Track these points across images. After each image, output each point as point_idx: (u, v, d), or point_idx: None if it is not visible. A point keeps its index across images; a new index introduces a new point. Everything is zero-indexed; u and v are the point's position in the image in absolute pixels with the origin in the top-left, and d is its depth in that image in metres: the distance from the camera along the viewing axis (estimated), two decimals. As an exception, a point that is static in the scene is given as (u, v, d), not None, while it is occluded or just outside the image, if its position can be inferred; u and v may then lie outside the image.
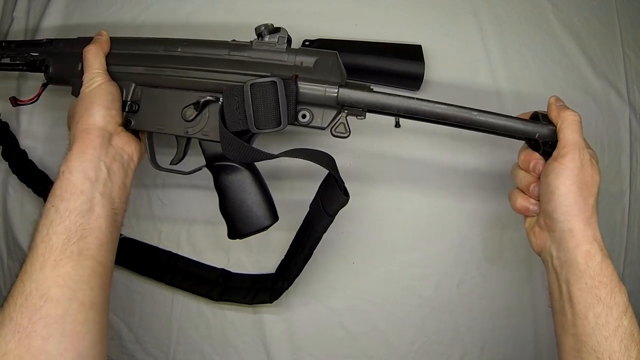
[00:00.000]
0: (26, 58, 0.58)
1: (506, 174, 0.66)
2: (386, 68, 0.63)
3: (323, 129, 0.49)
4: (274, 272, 0.65)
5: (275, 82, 0.47)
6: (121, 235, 0.67)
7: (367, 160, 0.66)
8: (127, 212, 0.66)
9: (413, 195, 0.66)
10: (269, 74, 0.49)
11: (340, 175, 0.51)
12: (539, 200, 0.48)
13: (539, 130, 0.47)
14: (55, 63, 0.56)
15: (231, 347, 0.69)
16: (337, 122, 0.49)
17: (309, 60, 0.50)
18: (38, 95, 0.59)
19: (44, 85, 0.59)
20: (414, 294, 0.67)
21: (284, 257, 0.63)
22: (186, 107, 0.52)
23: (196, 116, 0.52)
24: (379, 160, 0.66)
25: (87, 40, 0.54)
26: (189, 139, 0.55)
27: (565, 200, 0.44)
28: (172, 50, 0.53)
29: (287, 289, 0.62)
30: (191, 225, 0.69)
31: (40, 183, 0.67)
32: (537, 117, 0.48)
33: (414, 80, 0.63)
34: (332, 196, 0.53)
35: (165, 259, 0.68)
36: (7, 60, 0.58)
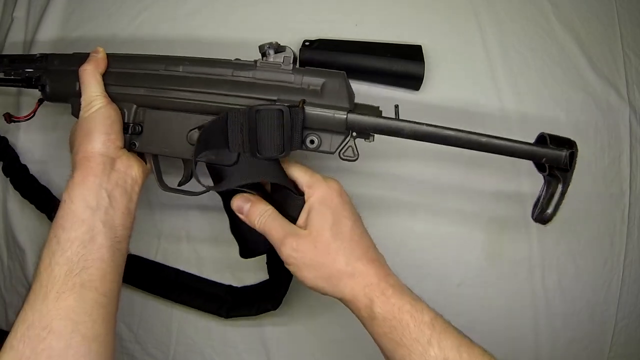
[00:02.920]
0: (21, 74, 0.56)
1: (507, 173, 0.67)
2: (386, 68, 0.63)
3: (332, 153, 0.48)
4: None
5: (281, 110, 0.46)
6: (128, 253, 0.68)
7: (368, 155, 0.66)
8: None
9: (412, 195, 0.66)
10: (275, 98, 0.48)
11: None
12: (542, 222, 0.49)
13: (546, 154, 0.47)
14: (52, 81, 0.54)
15: (231, 348, 0.69)
16: (345, 146, 0.48)
17: (316, 82, 0.48)
18: (34, 112, 0.57)
19: (40, 101, 0.56)
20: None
21: (267, 262, 0.61)
22: (191, 130, 0.50)
23: None
24: (377, 159, 0.66)
25: (84, 57, 0.52)
26: (195, 162, 0.54)
27: (319, 289, 0.46)
28: (173, 69, 0.51)
29: (284, 294, 0.62)
30: (191, 225, 0.68)
31: (42, 199, 0.67)
32: (544, 139, 0.48)
33: (414, 81, 0.63)
34: (288, 199, 0.50)
35: (172, 276, 0.68)
36: (0, 76, 0.57)
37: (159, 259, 0.69)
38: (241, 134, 0.47)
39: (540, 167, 0.49)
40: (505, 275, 0.67)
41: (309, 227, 0.47)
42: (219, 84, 0.49)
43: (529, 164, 0.66)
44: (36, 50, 0.65)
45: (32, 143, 0.69)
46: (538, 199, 0.49)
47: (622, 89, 0.68)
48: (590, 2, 0.69)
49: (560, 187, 0.48)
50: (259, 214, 0.48)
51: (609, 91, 0.68)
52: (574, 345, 0.68)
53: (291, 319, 0.67)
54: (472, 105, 0.66)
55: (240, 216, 0.49)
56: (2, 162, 0.67)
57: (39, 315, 0.41)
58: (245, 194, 0.50)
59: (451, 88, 0.66)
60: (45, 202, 0.67)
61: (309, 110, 0.47)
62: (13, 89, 0.68)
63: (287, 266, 0.47)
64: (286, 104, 0.46)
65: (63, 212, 0.45)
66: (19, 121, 0.58)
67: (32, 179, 0.67)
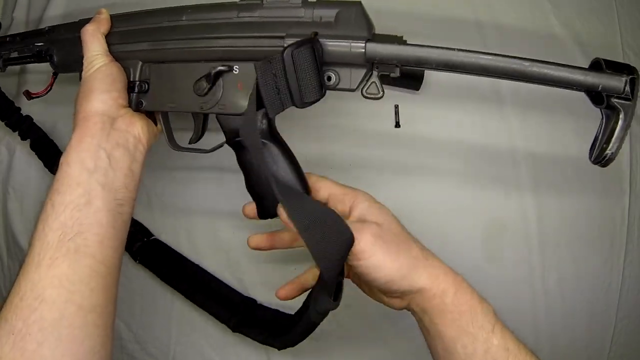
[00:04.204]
0: (32, 49, 0.55)
1: (506, 174, 0.66)
2: (386, 68, 0.63)
3: (353, 90, 0.43)
4: (270, 275, 0.65)
5: (312, 45, 0.41)
6: (152, 236, 0.68)
7: (367, 155, 0.66)
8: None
9: (412, 196, 0.66)
10: (283, 34, 0.43)
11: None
12: (599, 164, 0.45)
13: (604, 80, 0.40)
14: (59, 51, 0.54)
15: (231, 348, 0.69)
16: (368, 81, 0.43)
17: (329, 14, 0.43)
18: (51, 85, 0.57)
19: (55, 75, 0.56)
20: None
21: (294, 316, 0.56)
22: (198, 80, 0.47)
23: (209, 89, 0.47)
24: (379, 159, 0.66)
25: (88, 22, 0.51)
26: (205, 115, 0.51)
27: (398, 282, 0.42)
28: (176, 20, 0.48)
29: (291, 346, 0.56)
30: (191, 225, 0.69)
31: None
32: (599, 65, 0.41)
33: (414, 81, 0.63)
34: (321, 293, 0.45)
35: (191, 271, 0.67)
36: (15, 55, 0.56)
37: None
38: (276, 88, 0.42)
39: (596, 99, 0.42)
40: (505, 275, 0.67)
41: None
42: (224, 27, 0.46)
43: (529, 165, 0.66)
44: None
45: (53, 117, 0.69)
46: (595, 138, 0.43)
47: (622, 89, 0.68)
48: (590, 2, 0.69)
49: (621, 120, 0.40)
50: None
51: (609, 91, 0.68)
52: (574, 345, 0.68)
53: (291, 319, 0.68)
54: (472, 105, 0.66)
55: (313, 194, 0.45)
56: (29, 139, 0.67)
57: (32, 285, 0.39)
58: (316, 175, 0.48)
59: (451, 87, 0.66)
60: None
61: (324, 41, 0.42)
62: (15, 69, 0.68)
63: (357, 262, 0.42)
64: (306, 37, 0.42)
65: (59, 176, 0.43)
66: (38, 96, 0.57)
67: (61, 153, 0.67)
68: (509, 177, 0.67)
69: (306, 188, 0.48)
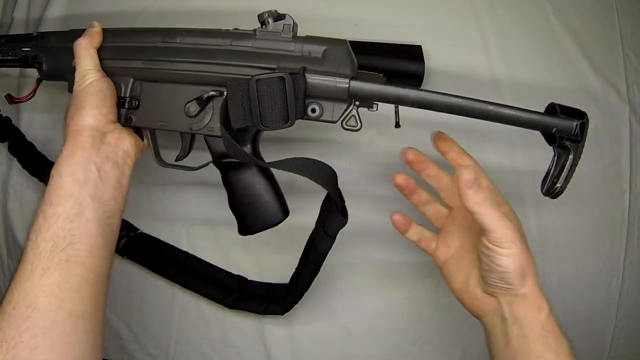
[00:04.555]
0: (18, 54, 0.55)
1: (506, 174, 0.66)
2: (386, 68, 0.62)
3: (334, 122, 0.47)
4: (270, 274, 0.65)
5: (283, 78, 0.44)
6: (138, 230, 0.68)
7: (366, 158, 0.66)
8: (127, 213, 0.67)
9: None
10: (275, 66, 0.46)
11: (340, 180, 0.50)
12: (550, 196, 0.48)
13: (556, 124, 0.45)
14: (48, 59, 0.54)
15: (231, 347, 0.69)
16: (348, 115, 0.47)
17: (317, 50, 0.46)
18: (34, 91, 0.57)
19: (39, 81, 0.56)
20: (414, 293, 0.67)
21: (296, 267, 0.62)
22: (189, 102, 0.49)
23: (200, 112, 0.49)
24: (378, 160, 0.66)
25: (80, 33, 0.51)
26: (193, 135, 0.53)
27: (517, 277, 0.44)
28: (169, 41, 0.50)
29: (296, 303, 0.62)
30: (191, 225, 0.69)
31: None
32: (555, 109, 0.46)
33: (414, 81, 0.63)
34: (330, 216, 0.50)
35: (182, 260, 0.68)
36: None
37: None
38: (242, 107, 0.46)
39: (549, 139, 0.47)
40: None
41: None
42: (217, 53, 0.48)
43: (529, 165, 0.66)
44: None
45: (36, 123, 0.69)
46: (548, 172, 0.47)
47: (622, 89, 0.68)
48: (590, 2, 0.69)
49: (570, 158, 0.45)
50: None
51: (609, 91, 0.68)
52: (574, 345, 0.68)
53: (292, 319, 0.67)
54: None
55: (468, 191, 0.45)
56: (7, 142, 0.66)
57: (24, 294, 0.40)
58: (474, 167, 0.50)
59: (451, 88, 0.66)
60: None
61: (310, 77, 0.45)
62: (15, 71, 0.68)
63: (497, 248, 0.44)
64: (287, 72, 0.45)
65: (51, 188, 0.44)
66: (20, 102, 0.58)
67: (41, 156, 0.67)
68: (509, 177, 0.67)
69: (285, 209, 0.52)
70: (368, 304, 0.68)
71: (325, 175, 0.48)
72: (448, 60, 0.66)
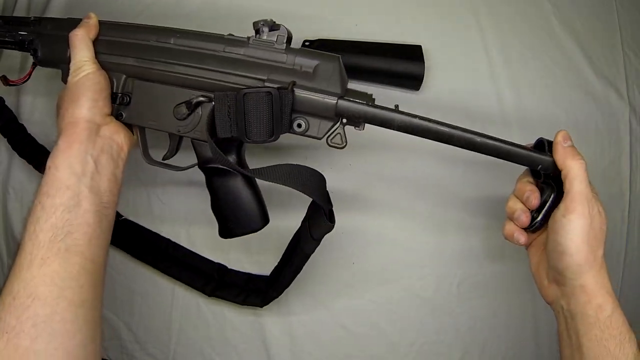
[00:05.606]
0: (15, 37, 0.54)
1: (506, 173, 0.66)
2: (386, 68, 0.63)
3: (319, 139, 0.47)
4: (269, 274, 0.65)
5: (270, 93, 0.44)
6: (122, 217, 0.68)
7: (365, 160, 0.66)
8: (127, 212, 0.67)
9: (413, 194, 0.66)
10: (265, 77, 0.47)
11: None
12: (527, 230, 0.49)
13: (542, 161, 0.45)
14: (44, 46, 0.53)
15: (231, 347, 0.69)
16: (334, 132, 0.47)
17: (309, 64, 0.47)
18: (29, 75, 0.56)
19: (34, 65, 0.56)
20: (414, 293, 0.67)
21: (277, 263, 0.63)
22: (178, 105, 0.49)
23: (188, 115, 0.50)
24: (377, 160, 0.66)
25: (76, 23, 0.51)
26: (181, 137, 0.54)
27: (576, 259, 0.43)
28: (164, 41, 0.50)
29: (276, 297, 0.62)
30: (191, 225, 0.68)
31: (41, 157, 0.66)
32: (542, 145, 0.47)
33: (414, 81, 0.63)
34: (317, 220, 0.51)
35: (163, 246, 0.68)
36: None
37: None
38: (229, 118, 0.46)
39: (534, 173, 0.48)
40: (505, 275, 0.67)
41: None
42: (210, 59, 0.48)
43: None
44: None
45: (31, 106, 0.68)
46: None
47: (622, 89, 0.68)
48: (590, 2, 0.69)
49: (552, 197, 0.46)
50: None
51: (609, 91, 0.68)
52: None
53: (292, 319, 0.68)
54: (472, 105, 0.66)
55: (564, 144, 0.45)
56: None
57: (24, 284, 0.40)
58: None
59: (451, 88, 0.66)
60: (44, 161, 0.66)
61: (299, 93, 0.46)
62: (19, 53, 0.68)
63: (568, 213, 0.43)
64: (275, 85, 0.45)
65: (48, 179, 0.44)
66: (15, 84, 0.57)
67: (31, 139, 0.66)
68: (509, 177, 0.67)
69: (265, 216, 0.53)
70: (368, 304, 0.68)
71: (311, 182, 0.48)
72: (448, 60, 0.66)
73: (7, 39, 0.55)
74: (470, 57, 0.67)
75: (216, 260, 0.68)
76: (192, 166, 0.54)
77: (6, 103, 0.65)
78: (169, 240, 0.68)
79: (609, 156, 0.68)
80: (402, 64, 0.63)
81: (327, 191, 0.50)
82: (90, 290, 0.43)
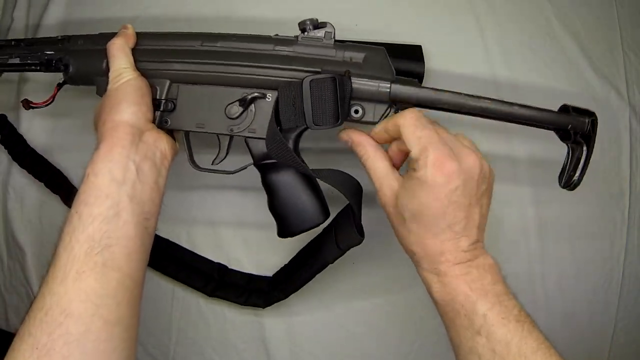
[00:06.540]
0: (40, 57, 0.53)
1: (506, 174, 0.67)
2: (386, 68, 0.63)
3: (374, 123, 0.49)
4: (271, 274, 0.65)
5: (334, 78, 0.46)
6: None
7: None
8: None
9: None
10: (319, 69, 0.48)
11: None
12: (567, 188, 0.51)
13: (572, 121, 0.48)
14: (76, 61, 0.53)
15: (231, 348, 0.69)
16: (387, 116, 0.49)
17: (357, 56, 0.49)
18: (53, 97, 0.56)
19: (59, 85, 0.55)
20: (414, 294, 0.67)
21: (286, 264, 0.62)
22: (230, 104, 0.50)
23: (242, 113, 0.50)
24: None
25: (110, 36, 0.51)
26: (232, 137, 0.53)
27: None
28: (210, 45, 0.51)
29: (284, 299, 0.62)
30: (191, 225, 0.69)
31: (40, 168, 0.67)
32: (567, 109, 0.50)
33: (415, 80, 0.63)
34: (346, 229, 0.52)
35: (163, 247, 0.68)
36: (16, 61, 0.54)
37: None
38: (294, 107, 0.48)
39: (564, 136, 0.51)
40: (504, 274, 0.67)
41: None
42: (262, 57, 0.50)
43: (528, 164, 0.66)
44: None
45: (35, 129, 0.68)
46: (564, 167, 0.51)
47: (622, 89, 0.68)
48: (590, 2, 0.69)
49: (585, 152, 0.49)
50: None
51: (609, 91, 0.68)
52: (574, 345, 0.68)
53: (292, 319, 0.68)
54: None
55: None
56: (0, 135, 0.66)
57: (57, 299, 0.38)
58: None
59: (451, 88, 0.66)
60: (43, 171, 0.67)
61: (355, 80, 0.48)
62: (14, 76, 0.67)
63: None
64: (336, 74, 0.47)
65: (86, 187, 0.42)
66: (37, 107, 0.56)
67: (31, 150, 0.67)
68: (508, 177, 0.67)
69: (325, 209, 0.52)
70: (368, 304, 0.68)
71: (351, 189, 0.50)
72: (448, 60, 0.66)
73: (29, 61, 0.54)
74: (471, 56, 0.67)
75: (216, 260, 0.68)
76: (245, 167, 0.53)
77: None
78: (168, 240, 0.68)
79: (609, 156, 0.68)
80: (402, 63, 0.63)
81: (360, 203, 0.51)
82: (128, 307, 0.41)
